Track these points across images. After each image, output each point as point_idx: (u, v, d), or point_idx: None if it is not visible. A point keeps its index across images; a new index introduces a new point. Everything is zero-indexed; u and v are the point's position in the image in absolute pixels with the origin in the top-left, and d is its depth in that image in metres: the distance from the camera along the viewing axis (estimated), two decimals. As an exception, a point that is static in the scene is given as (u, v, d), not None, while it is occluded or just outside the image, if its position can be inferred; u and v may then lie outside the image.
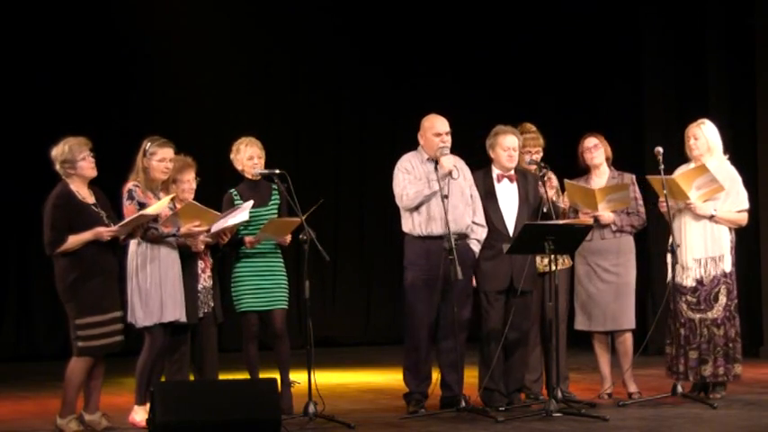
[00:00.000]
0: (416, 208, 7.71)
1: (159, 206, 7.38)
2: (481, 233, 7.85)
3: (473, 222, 7.83)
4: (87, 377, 7.33)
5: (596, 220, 8.16)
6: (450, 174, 7.64)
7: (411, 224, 7.77)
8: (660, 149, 8.01)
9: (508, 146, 7.94)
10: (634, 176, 8.30)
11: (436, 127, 7.80)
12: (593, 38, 12.79)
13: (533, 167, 8.16)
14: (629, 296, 8.27)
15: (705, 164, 8.02)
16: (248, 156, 7.94)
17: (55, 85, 12.31)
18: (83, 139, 7.33)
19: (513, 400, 7.94)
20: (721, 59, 11.57)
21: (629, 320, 8.28)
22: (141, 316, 7.38)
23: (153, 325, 7.39)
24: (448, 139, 7.77)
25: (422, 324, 7.73)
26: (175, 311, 7.44)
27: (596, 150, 8.29)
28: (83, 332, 7.17)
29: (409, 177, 7.76)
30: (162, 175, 7.54)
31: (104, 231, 7.21)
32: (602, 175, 8.31)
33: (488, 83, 13.51)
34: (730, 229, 8.14)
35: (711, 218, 8.04)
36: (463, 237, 7.75)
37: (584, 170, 8.40)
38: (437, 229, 7.67)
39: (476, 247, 7.83)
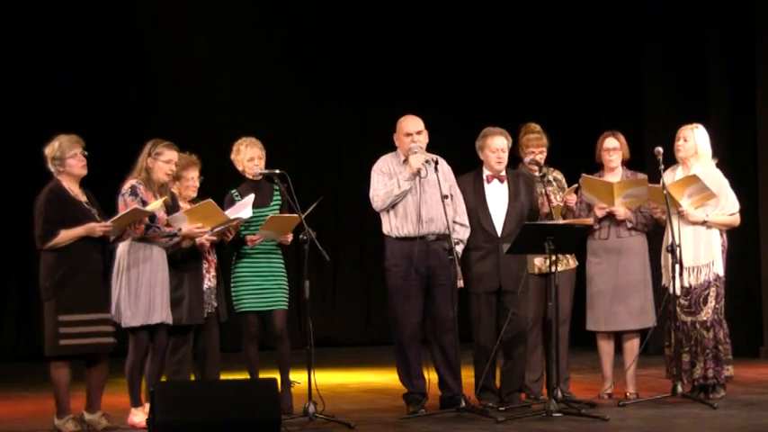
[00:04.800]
0: (391, 208, 7.73)
1: (155, 205, 7.38)
2: (463, 233, 7.83)
3: (454, 222, 7.79)
4: (88, 376, 7.33)
5: (612, 216, 8.18)
6: (418, 173, 7.64)
7: (389, 226, 7.78)
8: (660, 149, 8.01)
9: (497, 147, 7.94)
10: (647, 177, 8.27)
11: (406, 127, 7.82)
12: (594, 39, 12.78)
13: (534, 168, 8.16)
14: (641, 294, 8.26)
15: (692, 170, 8.05)
16: (249, 157, 7.95)
17: (55, 85, 12.31)
18: (75, 137, 7.33)
19: (514, 399, 7.94)
20: (721, 61, 11.57)
21: (643, 320, 8.26)
22: (129, 316, 7.37)
23: (139, 326, 7.39)
24: (420, 139, 7.76)
25: (406, 325, 7.73)
26: (162, 314, 7.44)
27: (615, 153, 8.29)
28: (66, 329, 7.13)
29: (383, 179, 7.79)
30: (165, 176, 7.54)
31: (97, 227, 7.20)
32: (615, 175, 8.31)
33: (488, 83, 13.51)
34: (722, 232, 8.15)
35: (704, 223, 8.05)
36: (444, 237, 7.68)
37: (594, 167, 8.40)
38: (412, 229, 7.68)
39: (458, 247, 7.77)
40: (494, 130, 8.00)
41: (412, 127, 7.80)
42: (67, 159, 7.26)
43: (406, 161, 7.78)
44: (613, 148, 8.30)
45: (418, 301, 7.72)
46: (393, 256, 7.76)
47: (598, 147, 8.37)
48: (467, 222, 7.86)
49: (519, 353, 7.98)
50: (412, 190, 7.66)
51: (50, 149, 7.29)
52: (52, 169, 7.30)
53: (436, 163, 7.68)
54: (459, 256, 7.71)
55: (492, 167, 7.97)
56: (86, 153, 7.31)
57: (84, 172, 7.32)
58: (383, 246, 7.86)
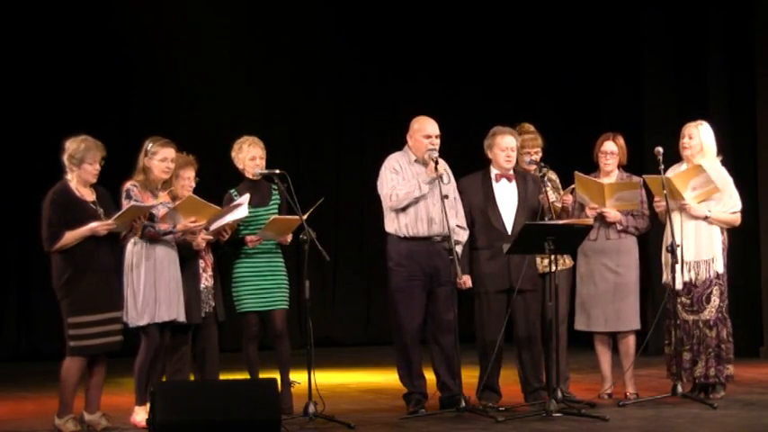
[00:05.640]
0: (404, 209, 7.73)
1: (158, 200, 7.40)
2: (462, 235, 7.84)
3: (456, 225, 7.82)
4: (88, 376, 7.35)
5: (602, 217, 8.17)
6: (441, 177, 7.65)
7: (396, 225, 7.78)
8: (660, 149, 8.02)
9: (506, 146, 7.95)
10: (642, 180, 8.26)
11: (426, 129, 7.82)
12: (594, 40, 12.77)
13: (533, 168, 8.16)
14: (631, 297, 8.27)
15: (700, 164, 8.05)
16: (251, 156, 7.96)
17: (57, 86, 12.31)
18: (101, 145, 7.37)
19: (537, 398, 7.89)
20: (721, 61, 11.56)
21: (632, 321, 8.27)
22: (134, 315, 7.40)
23: (147, 325, 7.41)
24: (437, 143, 7.79)
25: (408, 325, 7.74)
26: (170, 311, 7.44)
27: (611, 158, 8.29)
28: (75, 331, 7.19)
29: (398, 178, 7.78)
30: (163, 174, 7.56)
31: (99, 226, 7.22)
32: (610, 178, 8.30)
33: (489, 84, 13.50)
34: (722, 230, 8.16)
35: (706, 218, 8.05)
36: (446, 238, 7.71)
37: (590, 168, 8.39)
38: (423, 230, 7.69)
39: (458, 248, 7.78)
40: (503, 129, 8.02)
41: (432, 130, 7.81)
42: (85, 164, 7.29)
43: (417, 161, 7.79)
44: (611, 152, 8.30)
45: (421, 302, 7.73)
46: (398, 256, 7.77)
47: (596, 148, 8.37)
48: (465, 224, 7.87)
49: (532, 351, 7.95)
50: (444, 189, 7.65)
51: (74, 147, 7.31)
52: (66, 163, 7.33)
53: (436, 163, 7.70)
54: (460, 256, 7.72)
55: (501, 166, 7.98)
56: (103, 162, 7.35)
57: (93, 180, 7.36)
58: (385, 245, 7.87)
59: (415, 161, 7.82)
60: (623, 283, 8.24)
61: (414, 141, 7.85)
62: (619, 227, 8.23)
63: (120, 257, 7.45)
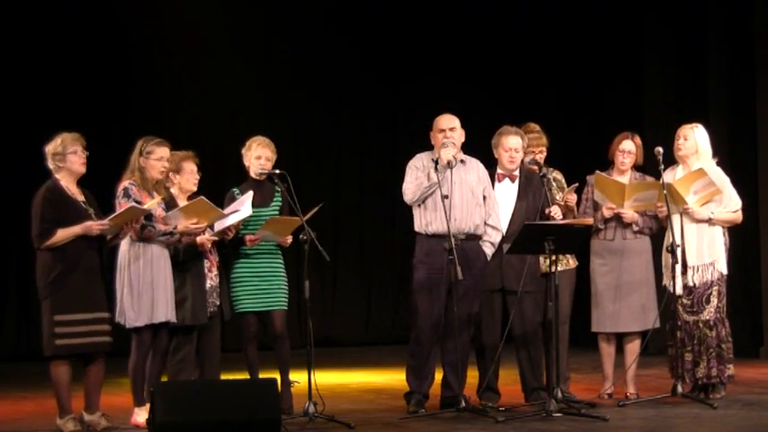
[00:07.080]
0: (422, 202, 7.74)
1: (151, 204, 7.39)
2: (495, 236, 7.85)
3: (486, 224, 7.83)
4: (84, 376, 7.33)
5: (619, 217, 8.18)
6: (448, 165, 7.65)
7: (419, 222, 7.82)
8: (660, 149, 8.03)
9: (510, 146, 7.98)
10: (655, 180, 8.27)
11: (439, 124, 7.87)
12: (595, 40, 12.78)
13: (534, 168, 8.17)
14: (648, 296, 8.27)
15: (694, 168, 8.05)
16: (256, 155, 7.96)
17: (55, 85, 12.31)
18: (76, 135, 7.35)
19: (536, 397, 7.89)
20: (721, 61, 11.57)
21: (647, 321, 8.26)
22: (132, 316, 7.38)
23: (142, 326, 7.39)
24: (452, 135, 7.81)
25: (426, 323, 7.75)
26: (166, 312, 7.44)
27: (629, 156, 8.29)
28: (62, 329, 7.14)
29: (417, 173, 7.82)
30: (159, 174, 7.55)
31: (94, 225, 7.21)
32: (624, 176, 8.31)
33: (488, 84, 13.51)
34: (724, 231, 8.16)
35: (709, 221, 8.06)
36: (474, 237, 7.75)
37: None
38: (442, 227, 7.68)
39: (488, 250, 7.82)
40: (509, 129, 8.06)
41: (444, 124, 7.86)
42: (68, 155, 7.28)
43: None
44: (629, 150, 8.32)
45: (440, 300, 7.72)
46: (420, 253, 7.80)
47: (613, 146, 8.36)
48: (499, 225, 7.89)
49: (526, 353, 7.96)
50: (444, 188, 7.65)
51: (52, 146, 7.32)
52: (51, 166, 7.32)
53: (436, 163, 7.70)
54: (489, 257, 7.79)
55: (504, 166, 8.02)
56: (87, 152, 7.33)
57: (82, 170, 7.34)
58: (413, 243, 7.88)
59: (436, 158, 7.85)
60: (637, 283, 8.23)
61: (433, 139, 7.92)
62: (635, 227, 8.24)
63: (107, 260, 7.42)
